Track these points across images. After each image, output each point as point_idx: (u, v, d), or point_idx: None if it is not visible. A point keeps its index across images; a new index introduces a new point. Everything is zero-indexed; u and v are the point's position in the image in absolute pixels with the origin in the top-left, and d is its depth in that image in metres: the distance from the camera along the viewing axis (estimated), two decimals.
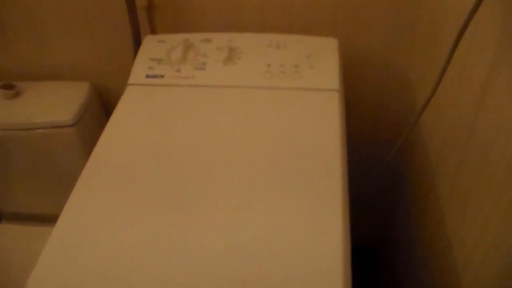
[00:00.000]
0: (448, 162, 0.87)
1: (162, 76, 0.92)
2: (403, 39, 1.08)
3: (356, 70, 1.15)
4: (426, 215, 0.99)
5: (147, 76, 0.93)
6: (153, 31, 1.13)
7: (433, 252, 0.92)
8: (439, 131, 0.93)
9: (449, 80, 0.86)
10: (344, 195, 0.71)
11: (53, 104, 1.14)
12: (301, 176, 0.73)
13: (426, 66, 1.03)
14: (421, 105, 0.82)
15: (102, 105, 1.25)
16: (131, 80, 0.93)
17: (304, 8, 1.06)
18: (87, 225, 0.69)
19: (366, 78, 1.16)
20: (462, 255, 0.77)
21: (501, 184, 0.63)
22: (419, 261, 1.02)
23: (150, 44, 0.98)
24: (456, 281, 0.79)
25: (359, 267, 1.52)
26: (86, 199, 0.72)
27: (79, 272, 0.63)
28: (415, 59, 1.10)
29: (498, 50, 0.66)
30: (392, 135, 1.26)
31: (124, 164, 0.77)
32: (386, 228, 1.42)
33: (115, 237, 0.67)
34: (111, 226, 0.68)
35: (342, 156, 0.76)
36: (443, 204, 0.88)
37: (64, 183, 1.19)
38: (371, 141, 1.29)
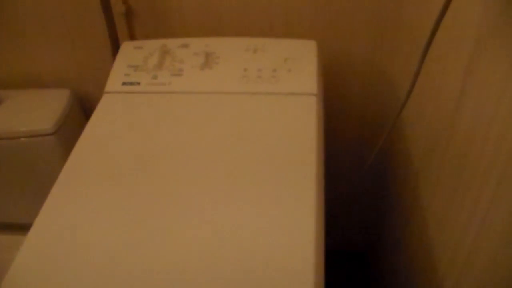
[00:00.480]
0: (431, 161, 0.86)
1: (138, 83, 0.91)
2: (386, 38, 1.07)
3: (339, 71, 1.13)
4: (411, 216, 0.98)
5: (124, 84, 0.92)
6: (132, 37, 1.12)
7: (419, 253, 0.91)
8: (421, 130, 0.92)
9: (429, 75, 0.85)
10: (319, 197, 0.70)
11: (34, 113, 1.13)
12: (275, 180, 0.72)
13: (408, 64, 1.02)
14: (402, 101, 0.81)
15: (84, 112, 1.24)
16: (107, 88, 0.92)
17: (285, 11, 1.05)
18: (61, 231, 0.68)
19: (348, 78, 1.15)
20: (445, 257, 0.76)
21: (480, 183, 0.63)
22: (406, 263, 1.01)
23: (127, 51, 0.97)
24: (440, 282, 0.78)
25: (346, 270, 1.52)
26: (60, 206, 0.72)
27: (53, 276, 0.63)
28: (398, 58, 1.09)
29: (475, 44, 0.65)
30: (376, 136, 1.25)
31: (99, 171, 0.76)
32: (374, 230, 1.41)
33: (88, 242, 0.67)
34: (85, 232, 0.68)
35: (317, 160, 0.74)
36: (427, 205, 0.87)
37: (46, 191, 1.18)
38: (356, 143, 1.27)
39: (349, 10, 1.03)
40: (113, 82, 0.92)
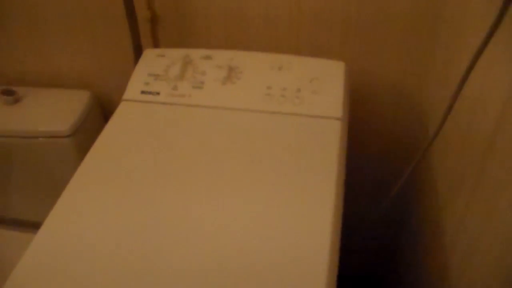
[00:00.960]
0: (456, 199, 0.81)
1: (157, 93, 0.89)
2: (418, 65, 1.02)
3: (366, 94, 1.09)
4: (431, 251, 0.94)
5: (142, 92, 0.89)
6: (156, 44, 1.09)
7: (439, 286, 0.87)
8: (449, 164, 0.88)
9: (461, 110, 0.80)
10: (336, 222, 0.67)
11: (52, 113, 1.12)
12: (291, 204, 0.69)
13: (440, 93, 0.97)
14: (432, 134, 0.77)
15: (104, 116, 1.22)
16: (126, 95, 0.90)
17: (314, 28, 1.01)
18: (69, 234, 0.68)
19: (376, 103, 1.10)
20: None
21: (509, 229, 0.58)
22: None
23: (149, 58, 0.94)
24: None
25: None
26: (70, 209, 0.71)
27: (58, 276, 0.63)
28: (429, 87, 1.04)
29: None
30: (402, 164, 1.20)
31: (111, 177, 0.75)
32: (392, 257, 1.36)
33: (96, 245, 0.66)
34: (93, 236, 0.67)
35: (336, 187, 0.71)
36: (450, 243, 0.82)
37: (58, 192, 1.16)
38: (379, 170, 1.23)
39: (382, 34, 0.99)
40: (132, 90, 0.90)
